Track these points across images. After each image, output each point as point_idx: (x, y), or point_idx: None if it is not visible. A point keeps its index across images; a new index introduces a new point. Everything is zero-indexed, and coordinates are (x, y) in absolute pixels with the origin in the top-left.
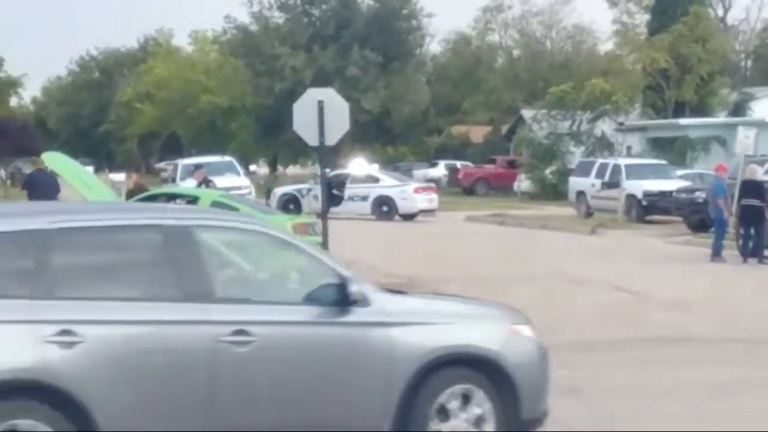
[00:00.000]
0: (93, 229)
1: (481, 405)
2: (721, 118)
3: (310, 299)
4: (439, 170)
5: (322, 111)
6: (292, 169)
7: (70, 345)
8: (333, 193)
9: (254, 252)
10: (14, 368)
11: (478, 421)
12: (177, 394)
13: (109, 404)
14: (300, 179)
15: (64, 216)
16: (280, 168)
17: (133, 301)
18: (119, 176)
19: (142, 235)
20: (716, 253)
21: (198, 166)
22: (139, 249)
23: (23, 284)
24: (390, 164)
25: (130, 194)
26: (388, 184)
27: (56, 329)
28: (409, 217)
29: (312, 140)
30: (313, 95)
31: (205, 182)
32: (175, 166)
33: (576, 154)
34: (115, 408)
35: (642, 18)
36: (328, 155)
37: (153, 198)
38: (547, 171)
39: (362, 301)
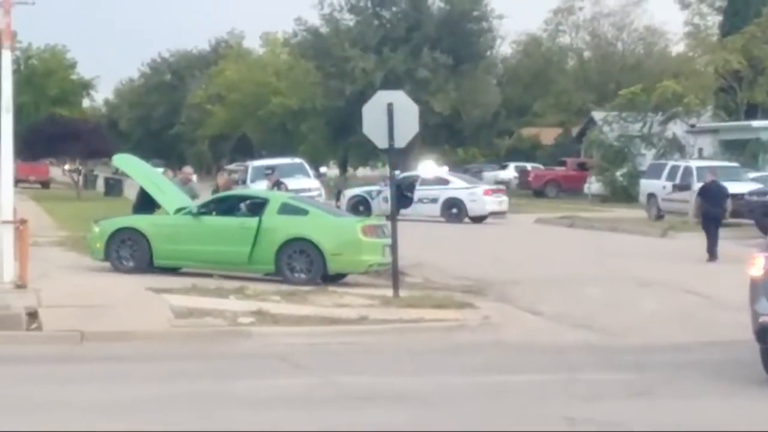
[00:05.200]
0: None
1: None
2: None
3: None
4: (509, 172)
5: (391, 113)
6: (362, 171)
7: None
8: (403, 195)
9: None
10: None
11: None
12: None
13: None
14: (370, 181)
15: None
16: (350, 170)
17: None
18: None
19: None
20: None
21: (271, 169)
22: None
23: None
24: (460, 166)
25: (216, 192)
26: (458, 186)
27: None
28: (478, 219)
29: (381, 143)
30: (382, 98)
31: (278, 184)
32: (246, 168)
33: (647, 157)
34: None
35: (714, 19)
36: (398, 157)
37: (223, 200)
38: (618, 173)
39: None
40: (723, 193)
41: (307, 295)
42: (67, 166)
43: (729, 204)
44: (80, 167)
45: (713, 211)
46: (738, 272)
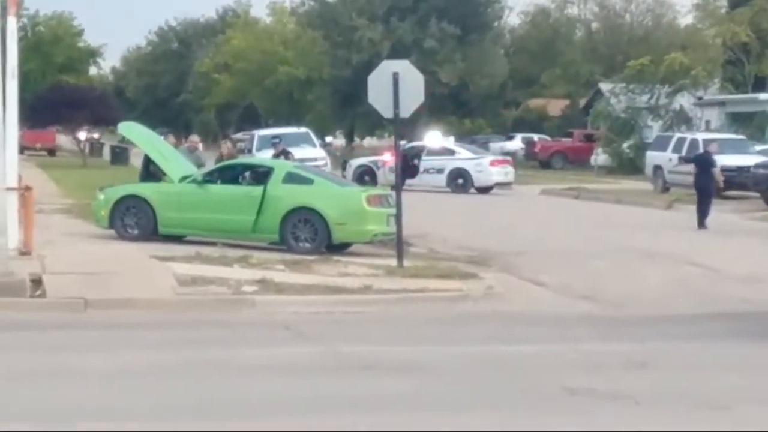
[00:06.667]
0: None
1: None
2: None
3: None
4: (516, 143)
5: (396, 83)
6: (369, 141)
7: None
8: (409, 164)
9: None
10: None
11: None
12: None
13: None
14: (377, 151)
15: None
16: (356, 139)
17: None
18: None
19: None
20: None
21: (278, 138)
22: None
23: None
24: (467, 137)
25: (220, 160)
26: (464, 157)
27: None
28: (484, 190)
29: (387, 112)
30: (388, 67)
31: (284, 153)
32: (252, 137)
33: (654, 129)
34: None
35: None
36: (404, 127)
37: (228, 168)
38: (625, 145)
39: None
40: (709, 163)
41: (312, 265)
42: (83, 135)
43: (717, 174)
44: (95, 135)
45: (700, 180)
46: (743, 244)
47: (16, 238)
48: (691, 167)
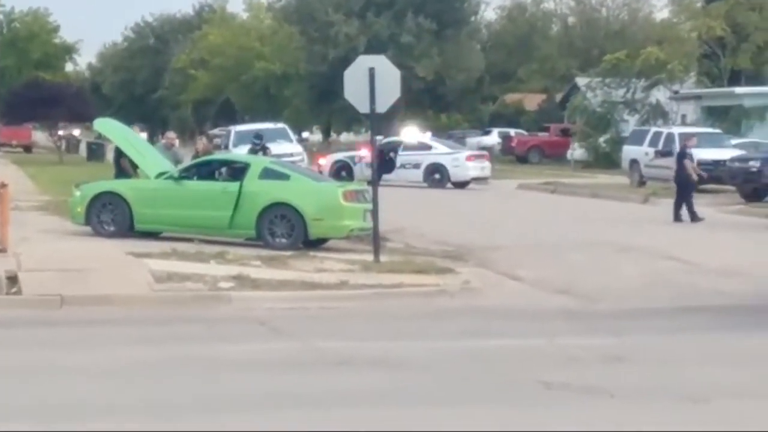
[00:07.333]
0: None
1: None
2: None
3: None
4: (493, 138)
5: (373, 78)
6: (346, 136)
7: None
8: (386, 159)
9: None
10: None
11: None
12: None
13: None
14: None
15: None
16: (333, 135)
17: None
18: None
19: None
20: None
21: (259, 138)
22: None
23: None
24: (444, 132)
25: (196, 157)
26: (441, 152)
27: None
28: (461, 184)
29: (363, 107)
30: (364, 62)
31: (263, 149)
32: (229, 133)
33: (630, 123)
34: None
35: None
36: (381, 122)
37: (205, 164)
38: (601, 139)
39: None
40: (678, 157)
41: (288, 260)
42: (63, 132)
43: (687, 168)
44: (75, 132)
45: (680, 174)
46: (719, 238)
47: None
48: (667, 161)
